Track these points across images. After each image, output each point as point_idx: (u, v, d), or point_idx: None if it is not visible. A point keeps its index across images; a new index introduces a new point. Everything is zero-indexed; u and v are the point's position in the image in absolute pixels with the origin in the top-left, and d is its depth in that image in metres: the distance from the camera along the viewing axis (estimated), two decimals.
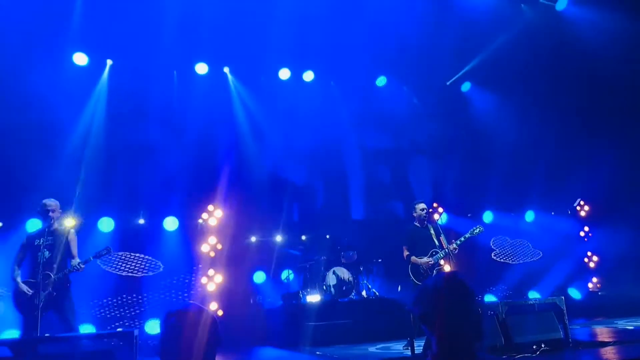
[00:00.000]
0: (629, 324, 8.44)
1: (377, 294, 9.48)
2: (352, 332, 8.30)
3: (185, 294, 8.41)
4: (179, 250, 8.95)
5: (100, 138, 8.94)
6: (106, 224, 8.74)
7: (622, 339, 6.69)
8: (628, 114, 10.35)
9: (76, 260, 6.01)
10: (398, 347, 7.16)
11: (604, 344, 6.37)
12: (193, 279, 8.84)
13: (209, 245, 8.94)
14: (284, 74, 10.81)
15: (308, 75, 11.05)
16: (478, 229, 7.06)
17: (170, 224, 9.01)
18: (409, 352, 6.30)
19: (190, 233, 9.14)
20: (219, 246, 8.98)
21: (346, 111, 11.28)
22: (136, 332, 4.56)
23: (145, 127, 9.31)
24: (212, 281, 8.77)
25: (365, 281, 9.60)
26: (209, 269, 8.84)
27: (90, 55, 9.29)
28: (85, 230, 8.33)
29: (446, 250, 6.95)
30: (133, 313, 8.06)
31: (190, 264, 8.91)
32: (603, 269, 11.38)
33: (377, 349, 7.30)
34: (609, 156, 10.28)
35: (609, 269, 11.22)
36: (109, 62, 9.47)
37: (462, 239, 7.01)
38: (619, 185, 10.41)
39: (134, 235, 8.84)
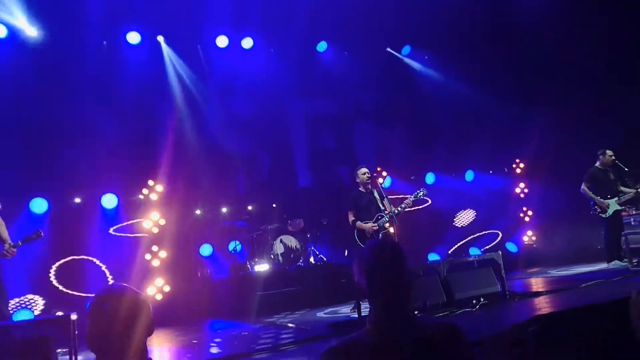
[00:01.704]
0: (560, 273, 9.01)
1: (324, 259, 9.61)
2: (301, 299, 8.42)
3: (128, 273, 8.17)
4: (120, 227, 8.66)
5: (27, 114, 8.37)
6: (39, 205, 8.30)
7: (554, 288, 7.13)
8: (561, 75, 10.76)
9: (7, 244, 5.70)
10: (345, 310, 7.32)
11: (538, 294, 6.78)
12: (136, 256, 8.59)
13: (151, 221, 8.70)
14: (222, 41, 10.46)
15: (247, 43, 10.75)
16: (422, 192, 7.21)
17: (109, 201, 8.68)
18: (356, 315, 6.46)
19: (130, 210, 8.84)
20: (162, 221, 8.76)
21: (288, 78, 11.10)
22: (74, 316, 4.39)
23: (77, 100, 8.80)
24: (157, 257, 8.58)
25: (312, 248, 9.69)
26: (152, 245, 8.63)
27: (9, 27, 8.62)
28: (17, 212, 7.92)
29: (390, 214, 7.08)
30: (73, 295, 7.78)
31: (132, 241, 8.65)
32: (537, 222, 12.00)
33: (325, 313, 7.44)
34: (543, 115, 10.69)
35: (542, 223, 11.85)
36: (32, 31, 8.81)
37: (408, 202, 7.14)
38: (552, 143, 10.88)
39: (70, 216, 8.46)
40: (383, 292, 1.86)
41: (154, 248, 8.64)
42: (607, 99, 10.32)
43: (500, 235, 11.61)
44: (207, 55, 10.48)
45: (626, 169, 8.61)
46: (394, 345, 1.81)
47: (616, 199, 8.52)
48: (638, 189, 8.52)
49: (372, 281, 1.87)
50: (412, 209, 7.39)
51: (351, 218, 7.21)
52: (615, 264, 8.37)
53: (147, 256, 8.57)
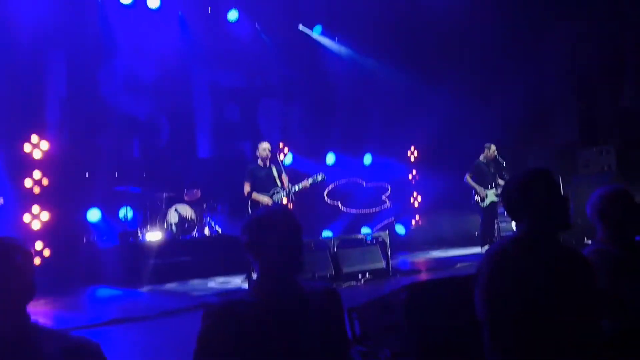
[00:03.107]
0: (440, 254, 9.77)
1: (220, 231, 9.55)
2: (193, 269, 8.34)
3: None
4: None
5: None
6: None
7: (432, 266, 7.77)
8: (456, 65, 11.49)
9: None
10: (237, 281, 7.39)
11: (418, 271, 7.36)
12: (14, 216, 7.94)
13: (32, 180, 8.06)
14: None
15: (153, 2, 10.18)
16: (320, 177, 7.35)
17: None
18: (246, 286, 6.56)
19: (9, 166, 8.10)
20: (45, 181, 8.15)
21: (195, 45, 10.72)
22: None
23: None
24: (38, 219, 8.00)
25: (208, 219, 9.58)
26: (32, 205, 8.01)
27: None
28: None
29: (287, 190, 7.18)
30: None
31: (9, 200, 7.95)
32: (424, 207, 12.83)
33: (217, 283, 7.47)
34: (437, 105, 11.35)
35: (428, 208, 12.69)
36: None
37: (306, 184, 7.26)
38: (442, 133, 11.63)
39: None
40: (275, 254, 1.88)
41: (35, 209, 8.04)
42: (491, 93, 11.24)
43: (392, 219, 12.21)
44: (108, 9, 9.78)
45: (504, 164, 9.46)
46: (273, 304, 1.89)
47: (494, 190, 9.35)
48: None
49: (266, 242, 1.89)
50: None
51: (247, 189, 7.22)
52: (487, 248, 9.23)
53: (27, 218, 7.96)
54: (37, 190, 8.11)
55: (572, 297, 1.99)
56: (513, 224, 8.40)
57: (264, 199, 7.08)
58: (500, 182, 9.40)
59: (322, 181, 7.39)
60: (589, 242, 5.81)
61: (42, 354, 1.57)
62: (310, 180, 7.28)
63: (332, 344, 1.97)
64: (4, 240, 1.62)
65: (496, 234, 9.45)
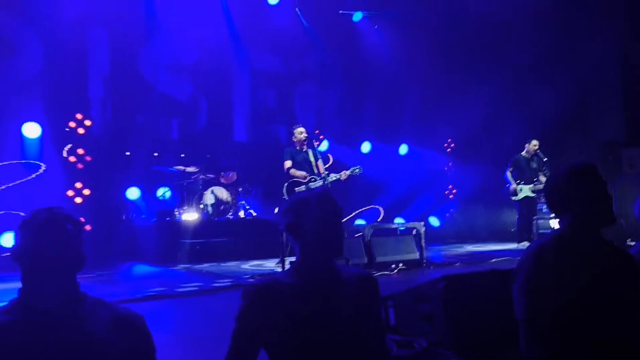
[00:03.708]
0: (475, 248, 9.62)
1: (254, 214, 9.64)
2: (227, 250, 8.45)
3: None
4: (43, 160, 8.19)
5: None
6: None
7: (466, 260, 7.64)
8: (497, 57, 11.20)
9: None
10: (270, 264, 7.46)
11: (451, 264, 7.25)
12: (58, 192, 8.21)
13: (75, 157, 8.32)
14: None
15: None
16: (358, 170, 7.29)
17: (31, 130, 8.14)
18: (280, 269, 6.60)
19: (55, 142, 8.37)
20: (88, 158, 8.39)
21: (235, 27, 10.77)
22: None
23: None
24: (80, 195, 8.26)
25: (243, 202, 9.69)
26: (76, 181, 8.27)
27: None
28: None
29: (324, 177, 7.15)
30: None
31: (55, 174, 8.22)
32: (460, 200, 12.62)
33: (250, 265, 7.55)
34: (475, 97, 11.10)
35: (464, 200, 12.48)
36: None
37: (344, 174, 7.23)
38: (480, 126, 11.38)
39: None
40: (316, 236, 1.89)
41: (78, 185, 8.30)
42: (532, 86, 10.90)
43: (382, 212, 11.82)
44: None
45: (545, 159, 9.19)
46: (311, 286, 1.89)
47: (531, 185, 9.12)
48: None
49: (309, 224, 1.89)
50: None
51: (287, 165, 7.22)
52: (524, 244, 9.00)
53: (70, 193, 8.23)
54: (80, 166, 8.36)
55: (613, 295, 1.94)
56: (551, 221, 8.15)
57: (301, 174, 7.08)
58: (542, 178, 9.14)
59: (359, 174, 7.33)
60: (632, 243, 5.61)
61: (91, 322, 1.63)
62: (348, 172, 7.24)
63: (368, 329, 1.95)
64: (55, 210, 1.66)
65: (534, 231, 9.21)
